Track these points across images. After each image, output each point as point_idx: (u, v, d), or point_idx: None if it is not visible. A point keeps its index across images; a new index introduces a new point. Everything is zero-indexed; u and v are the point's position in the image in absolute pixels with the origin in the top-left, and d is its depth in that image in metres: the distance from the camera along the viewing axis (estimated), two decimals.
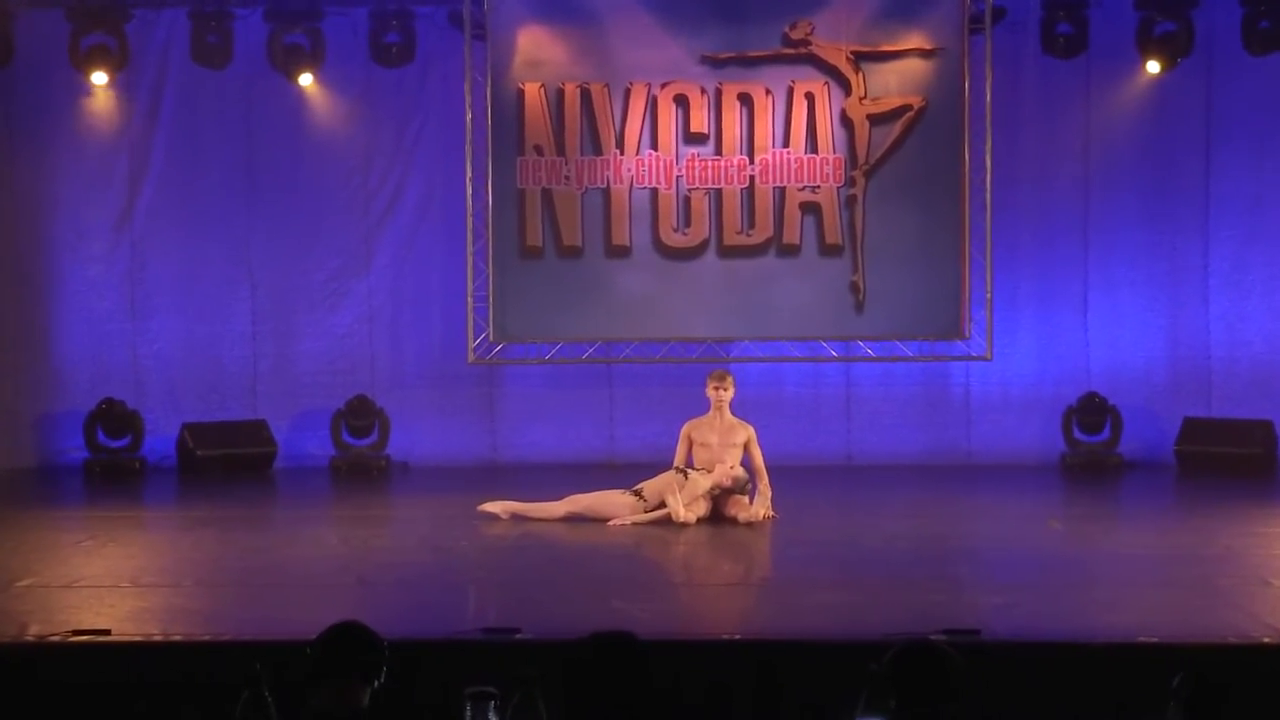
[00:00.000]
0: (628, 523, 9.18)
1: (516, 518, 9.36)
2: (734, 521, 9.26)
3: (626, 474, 9.90)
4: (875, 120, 12.24)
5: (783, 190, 12.33)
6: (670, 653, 5.62)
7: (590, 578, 7.66)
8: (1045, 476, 12.01)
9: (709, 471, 9.37)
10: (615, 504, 9.36)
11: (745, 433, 9.61)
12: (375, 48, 12.58)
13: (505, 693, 3.88)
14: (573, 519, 9.36)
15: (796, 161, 12.29)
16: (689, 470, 9.41)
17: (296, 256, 12.90)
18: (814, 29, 12.16)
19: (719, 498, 9.41)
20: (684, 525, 9.11)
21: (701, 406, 9.75)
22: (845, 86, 12.24)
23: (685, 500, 9.24)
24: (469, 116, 12.28)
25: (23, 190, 12.79)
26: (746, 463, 9.57)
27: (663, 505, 9.25)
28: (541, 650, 5.38)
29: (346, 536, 9.12)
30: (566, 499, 9.46)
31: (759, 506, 9.27)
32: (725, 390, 9.61)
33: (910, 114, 12.22)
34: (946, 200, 12.23)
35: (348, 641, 4.14)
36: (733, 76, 12.28)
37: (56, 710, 5.60)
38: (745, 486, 9.40)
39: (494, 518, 9.35)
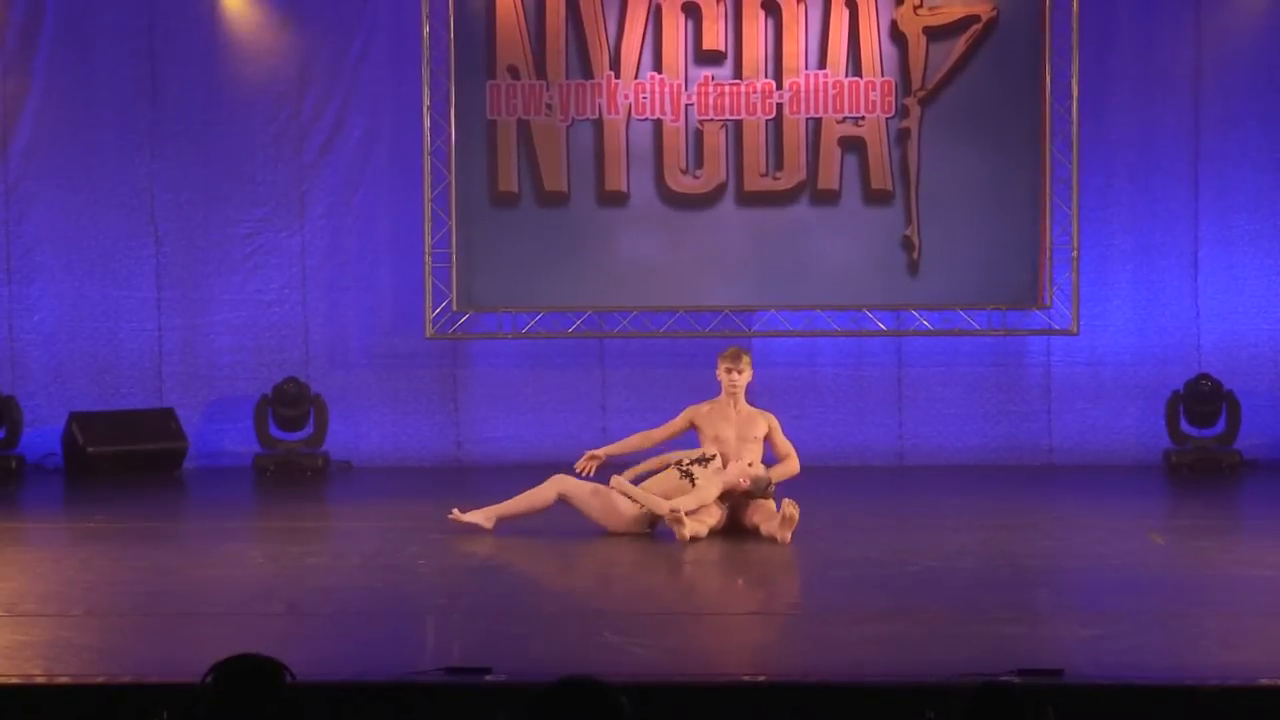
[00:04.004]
0: (703, 534, 9.12)
1: (501, 523, 9.26)
2: (755, 534, 9.26)
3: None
4: (934, 34, 12.23)
5: (818, 122, 12.32)
6: (676, 698, 5.62)
7: (577, 605, 7.67)
8: (1145, 479, 12.03)
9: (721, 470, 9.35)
10: (612, 504, 9.30)
11: (766, 423, 9.60)
12: None
13: None
14: (565, 504, 9.27)
15: (835, 86, 12.28)
16: (696, 466, 9.35)
17: (211, 205, 12.89)
18: None
19: (736, 504, 9.41)
20: (692, 540, 9.10)
21: (716, 391, 9.73)
22: None
23: (691, 506, 9.20)
24: (426, 30, 12.25)
25: None
26: (770, 459, 9.57)
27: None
28: (516, 695, 5.39)
29: (274, 554, 9.12)
30: (553, 479, 9.36)
31: (769, 471, 9.28)
32: (740, 374, 9.56)
33: (978, 26, 12.20)
34: (1022, 135, 12.22)
35: (243, 682, 4.10)
36: None
37: None
38: (768, 489, 9.39)
39: (474, 529, 9.21)
